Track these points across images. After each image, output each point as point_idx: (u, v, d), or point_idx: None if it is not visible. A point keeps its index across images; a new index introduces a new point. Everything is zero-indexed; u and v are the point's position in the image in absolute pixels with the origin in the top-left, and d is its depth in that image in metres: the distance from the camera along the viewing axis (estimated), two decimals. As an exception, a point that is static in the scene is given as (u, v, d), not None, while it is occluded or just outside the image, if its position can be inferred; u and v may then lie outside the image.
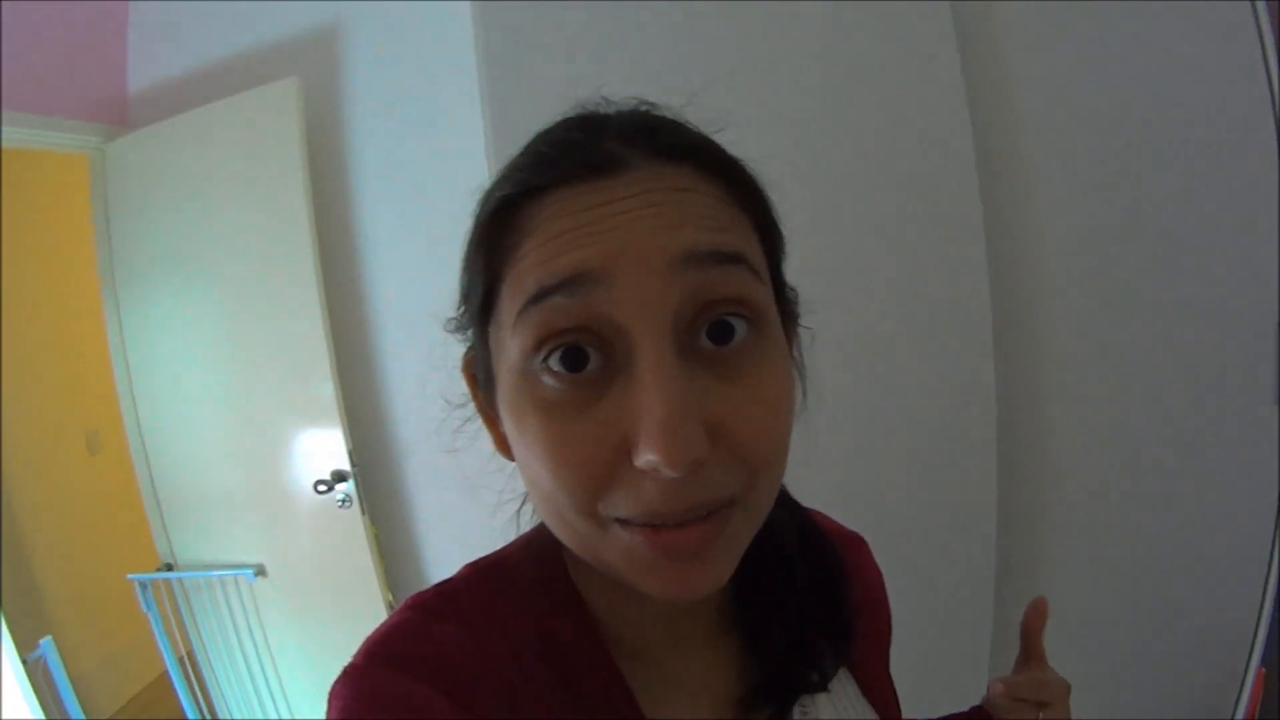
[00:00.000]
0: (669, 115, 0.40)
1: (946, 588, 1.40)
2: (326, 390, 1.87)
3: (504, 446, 0.41)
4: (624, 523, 0.34)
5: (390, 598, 1.94)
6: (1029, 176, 1.40)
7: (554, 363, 0.33)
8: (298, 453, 1.95)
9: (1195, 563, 1.43)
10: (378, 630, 0.40)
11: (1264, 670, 1.42)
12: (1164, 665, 1.46)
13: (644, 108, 0.41)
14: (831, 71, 1.34)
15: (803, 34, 1.33)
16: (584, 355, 0.33)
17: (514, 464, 0.40)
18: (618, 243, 0.33)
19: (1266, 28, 1.29)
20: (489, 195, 0.39)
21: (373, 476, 1.98)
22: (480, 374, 0.41)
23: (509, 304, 0.35)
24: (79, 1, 2.06)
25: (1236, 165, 1.33)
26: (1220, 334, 1.37)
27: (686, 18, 1.32)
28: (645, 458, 0.31)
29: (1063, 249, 1.41)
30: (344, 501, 1.89)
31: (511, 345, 0.35)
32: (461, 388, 0.45)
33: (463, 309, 0.42)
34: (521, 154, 0.40)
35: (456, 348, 0.44)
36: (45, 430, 2.68)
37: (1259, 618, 1.40)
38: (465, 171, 1.58)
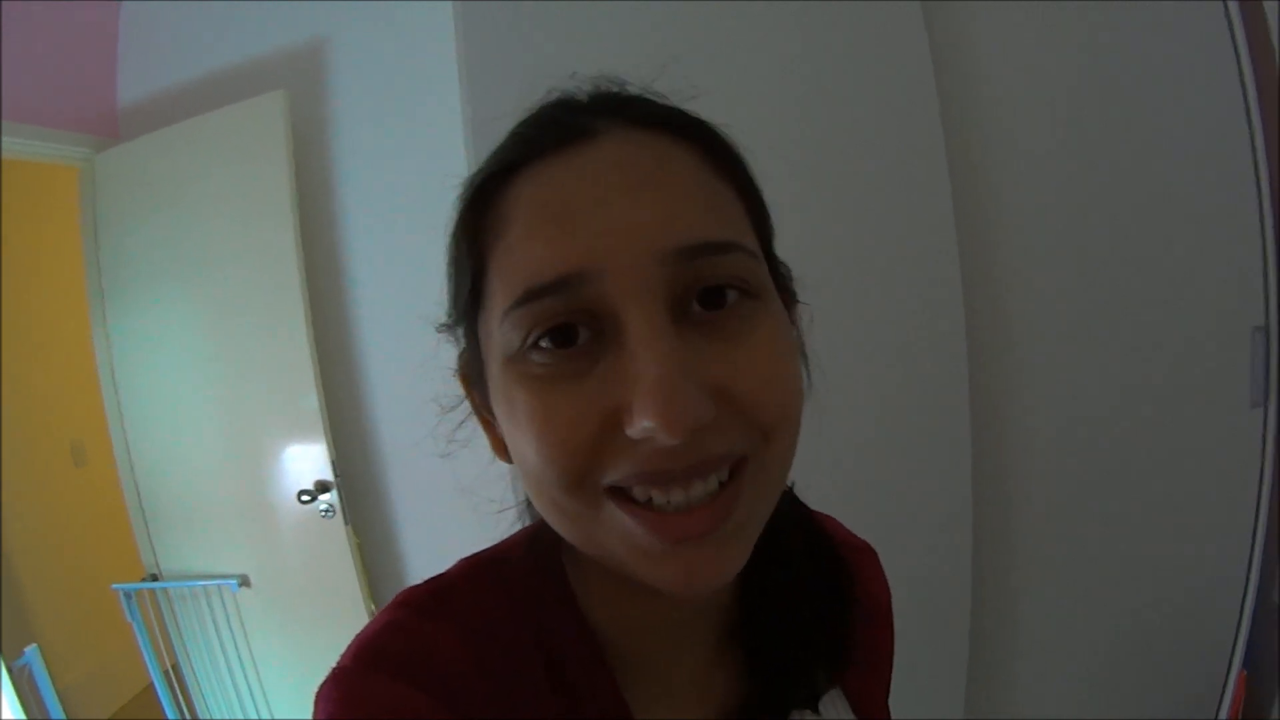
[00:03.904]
0: (640, 89, 0.40)
1: (921, 594, 1.40)
2: (310, 401, 1.88)
3: (500, 447, 0.40)
4: (619, 497, 0.32)
5: (373, 608, 1.94)
6: (1001, 174, 1.40)
7: (543, 341, 0.32)
8: (281, 463, 1.96)
9: (1176, 566, 1.43)
10: (368, 628, 0.38)
11: (1246, 673, 1.42)
12: (1146, 669, 1.46)
13: (615, 84, 0.40)
14: (803, 64, 1.34)
15: (778, 28, 1.33)
16: (573, 331, 0.32)
17: (511, 466, 0.39)
18: (603, 233, 0.31)
19: (1239, 25, 1.31)
20: (467, 184, 0.38)
21: (356, 487, 1.99)
22: (473, 372, 0.40)
23: (497, 293, 0.34)
24: (71, 14, 2.08)
25: (1214, 163, 1.34)
26: (1200, 334, 1.37)
27: (671, 45, 1.33)
28: (641, 424, 0.29)
29: (1035, 244, 1.41)
30: (327, 512, 1.90)
31: (500, 334, 0.34)
32: (453, 391, 0.44)
33: (451, 307, 0.41)
34: (499, 143, 0.39)
35: (448, 353, 0.44)
36: (31, 441, 2.67)
37: (1240, 620, 1.41)
38: (450, 184, 1.60)
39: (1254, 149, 1.32)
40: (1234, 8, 1.32)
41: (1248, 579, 1.40)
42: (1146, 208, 1.37)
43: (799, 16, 1.33)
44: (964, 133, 1.38)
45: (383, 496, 2.01)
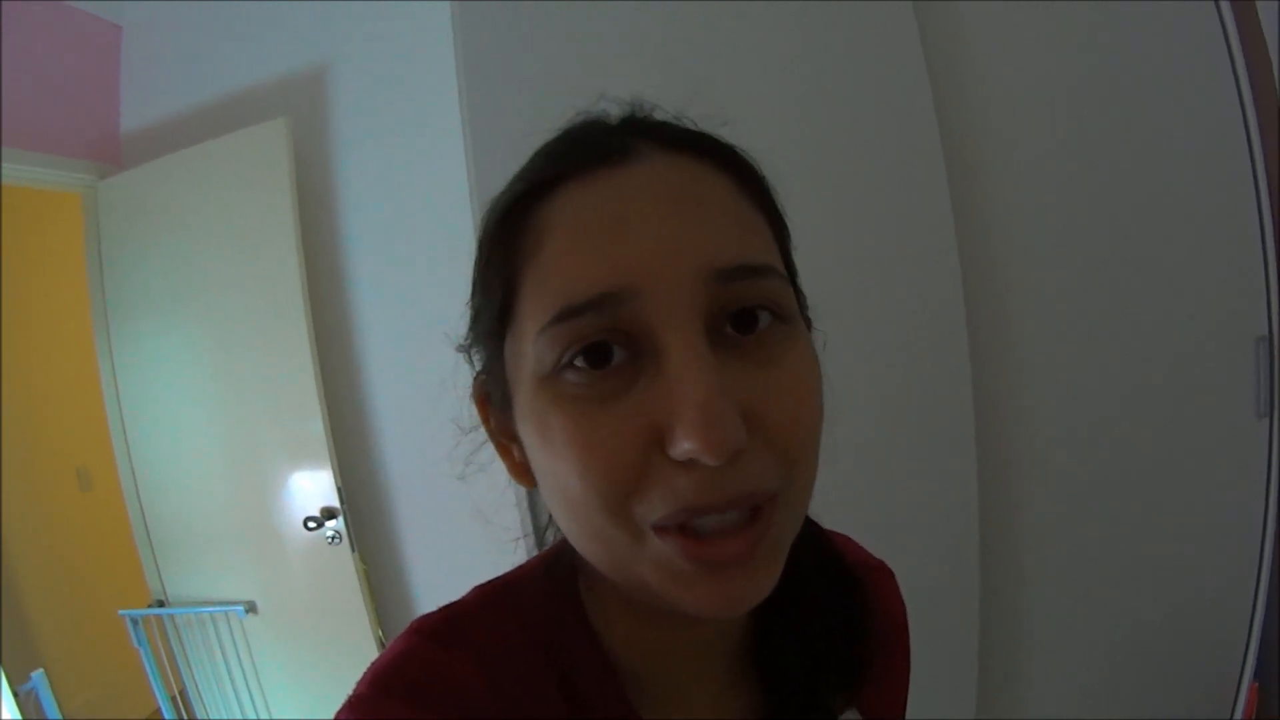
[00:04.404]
0: (671, 115, 0.40)
1: (926, 606, 1.39)
2: (316, 427, 1.88)
3: (520, 471, 0.39)
4: (660, 530, 0.32)
5: (380, 634, 1.93)
6: (1000, 182, 1.39)
7: (578, 361, 0.32)
8: (287, 489, 1.95)
9: (1186, 576, 1.42)
10: (384, 657, 0.38)
11: (1258, 685, 1.42)
12: (1156, 680, 1.45)
13: (646, 108, 0.40)
14: (799, 67, 1.33)
15: (781, 34, 1.33)
16: (608, 350, 0.32)
17: (529, 490, 0.38)
18: (643, 252, 0.32)
19: (1232, 26, 1.31)
20: (498, 201, 0.37)
21: (362, 513, 1.98)
22: (495, 392, 0.39)
23: (531, 312, 0.34)
24: (74, 41, 2.10)
25: (1214, 170, 1.34)
26: (1203, 341, 1.37)
27: (668, 51, 1.33)
28: (682, 445, 0.29)
29: (1035, 248, 1.40)
30: (334, 538, 1.90)
31: (533, 354, 0.33)
32: (472, 411, 0.43)
33: (474, 327, 0.40)
34: (530, 158, 0.39)
35: (463, 376, 0.43)
36: (36, 466, 2.68)
37: (1250, 631, 1.40)
38: (452, 210, 1.60)
39: (1252, 158, 1.32)
40: (1229, 17, 1.32)
41: (1257, 589, 1.39)
42: (1147, 214, 1.36)
43: (796, 19, 1.32)
44: (962, 139, 1.37)
45: (389, 523, 2.00)
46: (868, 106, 1.34)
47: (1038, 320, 1.41)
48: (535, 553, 0.47)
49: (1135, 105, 1.35)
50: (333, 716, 0.35)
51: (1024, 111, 1.38)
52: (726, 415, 0.29)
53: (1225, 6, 1.31)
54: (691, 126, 0.39)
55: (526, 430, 0.35)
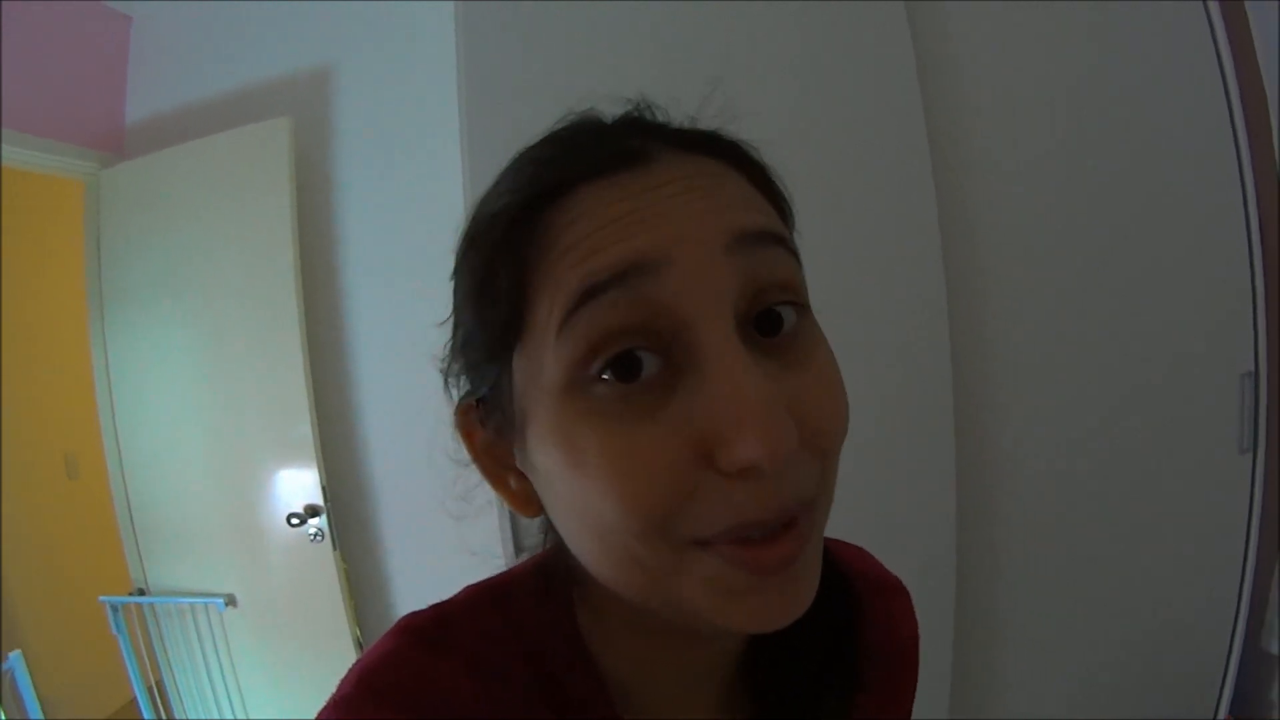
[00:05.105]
0: (684, 119, 0.39)
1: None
2: (304, 424, 1.89)
3: (521, 501, 0.38)
4: (704, 544, 0.30)
5: (358, 633, 1.94)
6: (987, 178, 1.39)
7: (606, 375, 0.30)
8: (272, 485, 1.96)
9: (1162, 608, 1.43)
10: (370, 655, 0.37)
11: (1232, 718, 1.43)
12: (1133, 711, 1.44)
13: (653, 108, 0.39)
14: (788, 68, 1.33)
15: (777, 35, 1.33)
16: (638, 361, 0.30)
17: (536, 518, 0.37)
18: (670, 227, 0.30)
19: (1220, 26, 1.32)
20: (497, 209, 0.35)
21: (345, 512, 1.99)
22: (494, 417, 0.36)
23: (547, 313, 0.31)
24: (83, 30, 2.11)
25: (1203, 201, 1.35)
26: (1191, 371, 1.37)
27: (666, 65, 1.34)
28: (741, 455, 0.27)
29: (1022, 280, 1.40)
30: (316, 536, 1.91)
31: (553, 363, 0.31)
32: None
33: (466, 350, 0.37)
34: (517, 167, 0.37)
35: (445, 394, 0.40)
36: (25, 451, 2.68)
37: (1227, 665, 1.41)
38: (450, 215, 1.62)
39: (1244, 192, 1.33)
40: (1214, 8, 1.33)
41: (1236, 620, 1.40)
42: (1134, 250, 1.37)
43: (795, 19, 1.33)
44: (950, 160, 1.37)
45: (372, 523, 2.01)
46: (857, 111, 1.33)
47: (1023, 353, 1.41)
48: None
49: (1127, 131, 1.35)
50: (316, 715, 0.34)
51: (1011, 152, 1.39)
52: (781, 417, 0.28)
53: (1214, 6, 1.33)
54: (704, 128, 0.38)
55: (543, 452, 0.33)
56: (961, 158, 1.39)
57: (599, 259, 0.30)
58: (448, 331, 0.39)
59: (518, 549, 1.36)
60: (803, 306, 0.34)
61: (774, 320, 0.32)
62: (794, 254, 0.34)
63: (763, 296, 0.32)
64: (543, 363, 0.31)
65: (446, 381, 0.39)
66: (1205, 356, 1.38)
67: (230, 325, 1.96)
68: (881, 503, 1.35)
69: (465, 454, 0.40)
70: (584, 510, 0.31)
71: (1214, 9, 1.33)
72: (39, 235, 2.79)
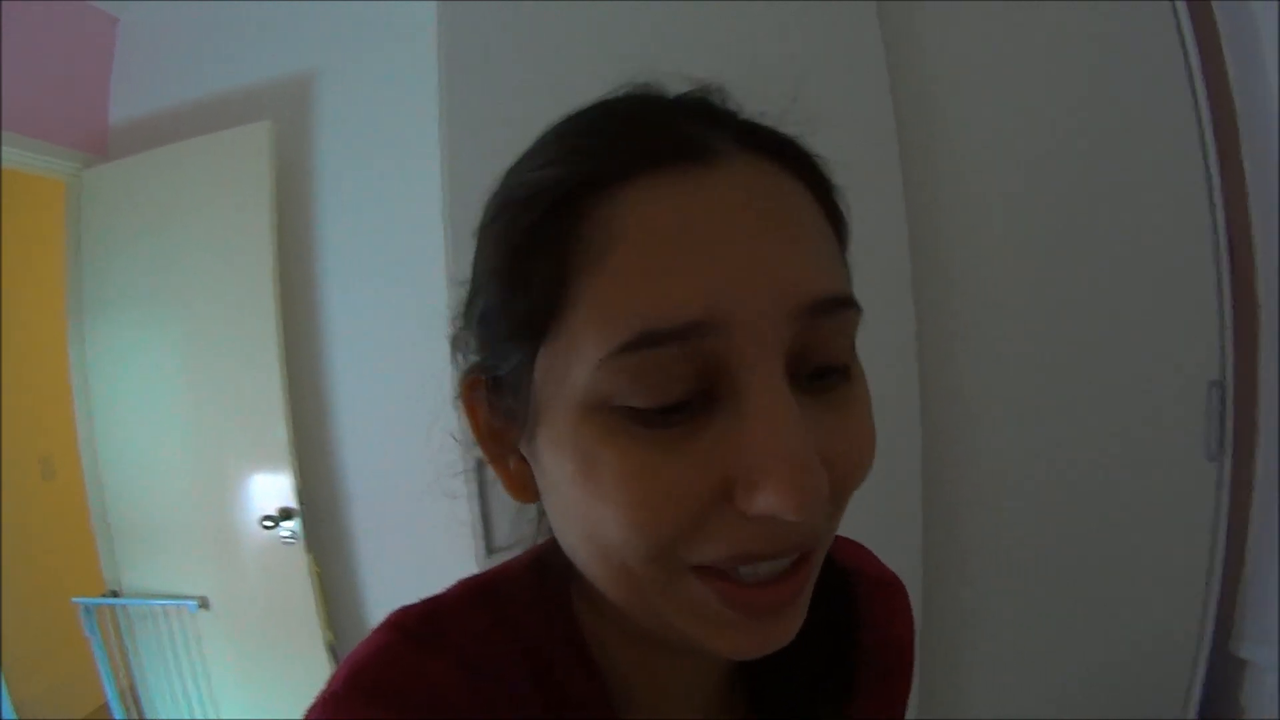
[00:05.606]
0: (751, 113, 0.36)
1: None
2: (279, 428, 1.89)
3: (519, 486, 0.37)
4: (700, 572, 0.30)
5: (330, 637, 1.94)
6: (955, 187, 1.41)
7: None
8: (246, 488, 1.96)
9: (1129, 625, 1.44)
10: (360, 652, 0.35)
11: None
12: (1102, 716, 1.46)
13: (717, 93, 0.36)
14: (782, 69, 1.34)
15: (764, 33, 1.34)
16: (675, 387, 0.28)
17: (527, 504, 0.37)
18: (734, 278, 0.28)
19: (1189, 36, 1.34)
20: (539, 183, 0.32)
21: (319, 516, 1.99)
22: (505, 402, 0.34)
23: (593, 331, 0.29)
24: (70, 29, 2.12)
25: (1170, 212, 1.37)
26: (1158, 381, 1.39)
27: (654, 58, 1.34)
28: (764, 504, 0.27)
29: (990, 290, 1.42)
30: (289, 539, 1.90)
31: (585, 379, 0.29)
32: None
33: (485, 323, 0.34)
34: (562, 134, 0.34)
35: (437, 389, 0.39)
36: (2, 453, 2.67)
37: (1194, 673, 1.42)
38: (429, 221, 1.63)
39: (1211, 203, 1.35)
40: (1182, 8, 1.35)
41: (1203, 626, 1.41)
42: (1102, 259, 1.39)
43: (776, 17, 1.34)
44: (912, 148, 1.38)
45: (345, 526, 2.01)
46: (830, 111, 1.34)
47: (992, 360, 1.43)
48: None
49: (1095, 141, 1.38)
50: (305, 712, 0.33)
51: (982, 152, 1.41)
52: (816, 471, 0.27)
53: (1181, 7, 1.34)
54: (769, 126, 0.35)
55: (554, 458, 0.31)
56: (931, 167, 1.41)
57: (659, 308, 0.28)
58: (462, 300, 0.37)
59: (489, 550, 1.37)
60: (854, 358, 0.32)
61: (824, 370, 0.31)
62: (859, 309, 0.32)
63: (820, 355, 0.30)
64: (570, 370, 0.30)
65: (460, 348, 0.37)
66: (1172, 365, 1.39)
67: (208, 328, 1.96)
68: (848, 506, 1.36)
69: (466, 428, 0.38)
70: (588, 523, 0.31)
71: (1182, 11, 1.34)
72: (16, 236, 2.78)
